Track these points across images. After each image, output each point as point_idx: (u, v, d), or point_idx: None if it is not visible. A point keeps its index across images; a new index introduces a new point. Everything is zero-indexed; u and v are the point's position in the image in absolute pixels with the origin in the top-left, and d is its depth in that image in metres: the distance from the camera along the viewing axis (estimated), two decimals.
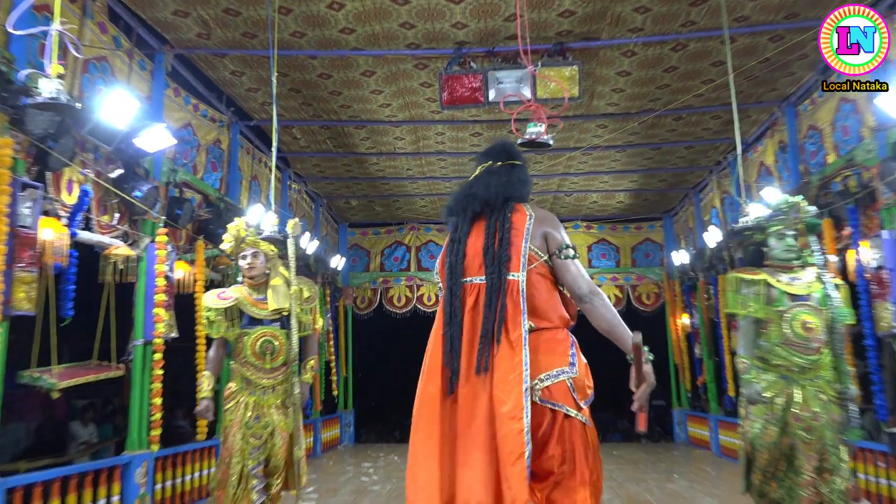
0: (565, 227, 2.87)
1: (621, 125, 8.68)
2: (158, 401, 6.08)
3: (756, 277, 4.39)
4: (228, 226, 4.89)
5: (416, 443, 2.66)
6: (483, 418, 2.56)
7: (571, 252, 2.80)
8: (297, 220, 4.94)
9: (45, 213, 4.90)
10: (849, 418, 4.11)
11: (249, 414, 4.58)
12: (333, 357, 12.09)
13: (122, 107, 5.28)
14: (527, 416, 2.50)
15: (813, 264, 4.42)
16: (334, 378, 12.08)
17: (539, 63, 6.63)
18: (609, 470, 8.82)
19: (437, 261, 3.00)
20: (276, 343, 4.66)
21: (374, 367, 15.94)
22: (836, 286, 4.33)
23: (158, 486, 6.12)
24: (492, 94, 6.76)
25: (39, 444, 8.50)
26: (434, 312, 2.85)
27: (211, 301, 4.78)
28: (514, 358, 2.58)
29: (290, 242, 4.80)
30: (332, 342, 12.04)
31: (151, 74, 6.59)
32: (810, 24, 6.31)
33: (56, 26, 3.29)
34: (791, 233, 4.42)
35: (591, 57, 7.00)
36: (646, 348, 2.63)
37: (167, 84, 6.83)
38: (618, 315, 2.72)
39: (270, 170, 7.28)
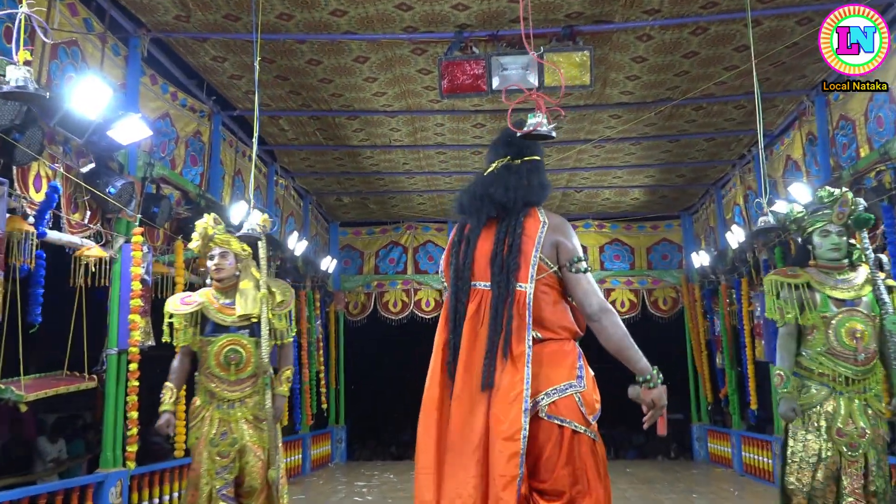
0: (575, 228, 2.90)
1: (636, 115, 8.69)
2: (134, 415, 6.07)
3: (797, 280, 4.22)
4: (196, 223, 4.75)
5: (418, 452, 2.79)
6: (479, 433, 2.64)
7: (583, 265, 2.83)
8: (266, 214, 4.90)
9: (11, 212, 4.90)
10: None
11: (214, 431, 4.43)
12: (323, 367, 12.08)
13: (93, 95, 5.28)
14: (524, 439, 2.58)
15: (864, 264, 4.23)
16: (324, 390, 12.06)
17: (542, 48, 6.64)
18: (622, 489, 8.83)
19: (442, 260, 3.07)
20: (243, 352, 4.51)
21: (368, 378, 15.94)
22: (891, 289, 4.15)
23: None
24: (495, 82, 6.75)
25: (4, 462, 8.51)
26: (433, 318, 2.93)
27: (173, 306, 4.67)
28: (517, 375, 2.64)
29: (261, 243, 4.71)
30: (321, 351, 12.04)
31: (126, 60, 6.61)
32: (839, 6, 6.32)
33: (24, 9, 3.30)
34: (836, 229, 4.20)
35: (603, 41, 7.01)
36: (655, 369, 2.76)
37: (143, 71, 6.84)
38: (629, 335, 2.78)
39: (254, 163, 7.27)
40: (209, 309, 4.59)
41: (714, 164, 10.73)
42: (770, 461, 9.23)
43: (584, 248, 3.19)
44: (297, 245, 10.14)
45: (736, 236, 9.72)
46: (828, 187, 4.40)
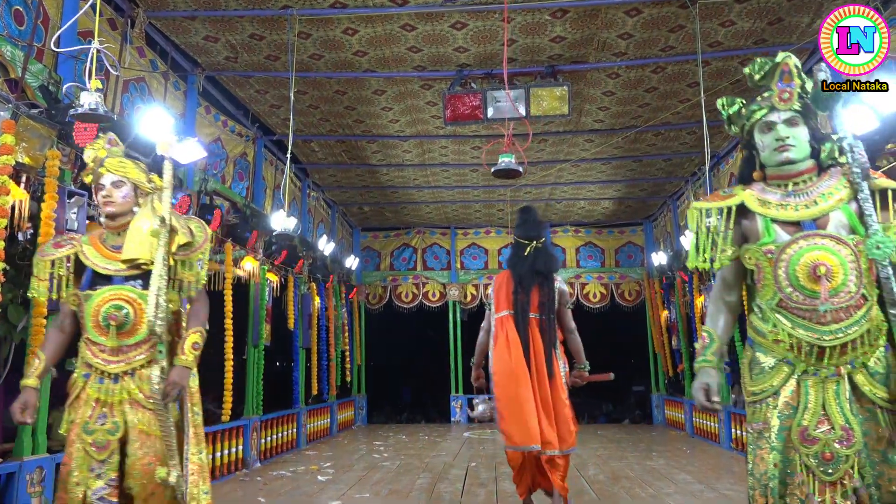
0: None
1: (606, 140, 8.65)
2: None
3: (727, 202, 2.35)
4: (88, 144, 3.11)
5: (520, 405, 4.12)
6: (549, 397, 4.19)
7: (571, 303, 4.55)
8: (171, 134, 3.18)
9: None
10: None
11: (90, 413, 2.73)
12: (348, 347, 12.11)
13: (158, 123, 5.25)
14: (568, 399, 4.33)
15: (836, 162, 2.31)
16: (348, 366, 12.10)
17: (528, 85, 6.62)
18: (594, 448, 8.78)
19: (492, 292, 4.52)
20: (130, 310, 2.77)
21: (384, 356, 15.92)
22: (884, 192, 2.19)
23: None
24: (490, 112, 6.74)
25: None
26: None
27: (42, 251, 2.95)
28: (560, 366, 4.32)
29: (166, 165, 2.95)
30: (346, 334, 12.07)
31: (185, 94, 6.60)
32: (777, 49, 6.27)
33: (95, 45, 3.27)
34: (784, 116, 2.31)
35: (579, 78, 6.98)
36: (587, 362, 4.48)
37: (199, 102, 6.83)
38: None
39: (287, 176, 7.23)
40: (87, 254, 2.88)
41: (670, 180, 10.69)
42: (716, 425, 9.19)
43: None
44: (326, 246, 10.11)
45: (689, 240, 9.64)
46: (759, 58, 2.46)
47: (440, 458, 8.23)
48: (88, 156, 2.98)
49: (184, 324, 2.95)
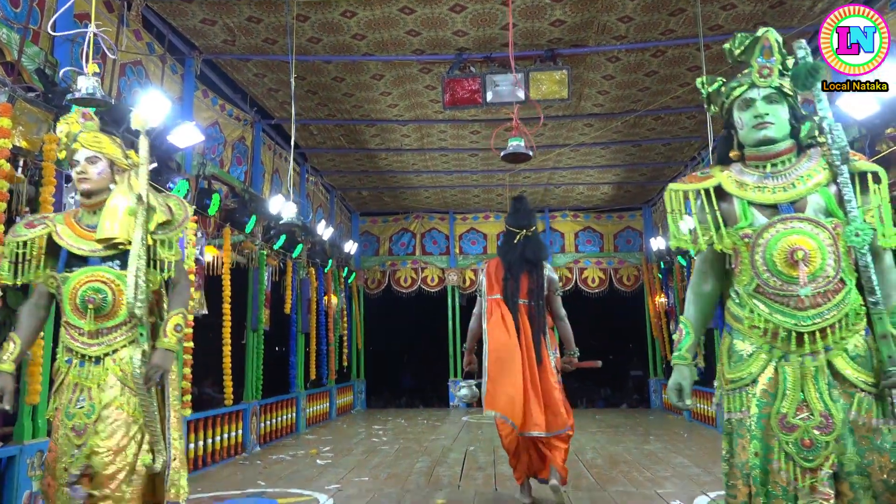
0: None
1: (606, 124, 8.62)
2: (187, 370, 6.07)
3: (703, 184, 2.33)
4: (61, 118, 3.07)
5: (513, 386, 4.24)
6: (538, 382, 4.33)
7: (560, 291, 4.75)
8: (146, 108, 2.92)
9: None
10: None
11: (70, 398, 2.65)
12: (346, 332, 12.15)
13: (155, 107, 5.23)
14: (559, 383, 4.48)
15: (815, 143, 2.25)
16: (346, 351, 12.14)
17: (527, 69, 6.59)
18: (592, 433, 8.84)
19: (483, 279, 4.63)
20: (108, 291, 2.66)
21: (383, 340, 15.97)
22: (864, 175, 2.13)
23: (192, 446, 6.13)
24: (489, 96, 6.71)
25: None
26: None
27: (14, 231, 2.80)
28: (549, 352, 4.47)
29: (142, 140, 2.81)
30: (345, 319, 12.10)
31: (182, 77, 6.56)
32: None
33: (92, 28, 3.24)
34: (763, 93, 2.22)
35: (579, 62, 6.94)
36: (577, 348, 4.64)
37: (196, 86, 6.79)
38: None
39: (288, 161, 7.21)
40: (63, 234, 2.76)
41: (670, 165, 10.66)
42: (713, 410, 9.24)
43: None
44: (324, 231, 10.10)
45: (687, 224, 9.64)
46: (740, 34, 2.36)
47: (439, 441, 8.28)
48: (61, 131, 2.83)
49: (165, 305, 2.85)
